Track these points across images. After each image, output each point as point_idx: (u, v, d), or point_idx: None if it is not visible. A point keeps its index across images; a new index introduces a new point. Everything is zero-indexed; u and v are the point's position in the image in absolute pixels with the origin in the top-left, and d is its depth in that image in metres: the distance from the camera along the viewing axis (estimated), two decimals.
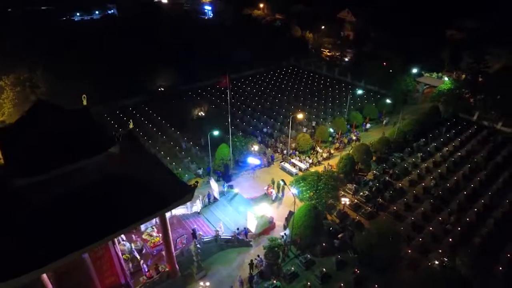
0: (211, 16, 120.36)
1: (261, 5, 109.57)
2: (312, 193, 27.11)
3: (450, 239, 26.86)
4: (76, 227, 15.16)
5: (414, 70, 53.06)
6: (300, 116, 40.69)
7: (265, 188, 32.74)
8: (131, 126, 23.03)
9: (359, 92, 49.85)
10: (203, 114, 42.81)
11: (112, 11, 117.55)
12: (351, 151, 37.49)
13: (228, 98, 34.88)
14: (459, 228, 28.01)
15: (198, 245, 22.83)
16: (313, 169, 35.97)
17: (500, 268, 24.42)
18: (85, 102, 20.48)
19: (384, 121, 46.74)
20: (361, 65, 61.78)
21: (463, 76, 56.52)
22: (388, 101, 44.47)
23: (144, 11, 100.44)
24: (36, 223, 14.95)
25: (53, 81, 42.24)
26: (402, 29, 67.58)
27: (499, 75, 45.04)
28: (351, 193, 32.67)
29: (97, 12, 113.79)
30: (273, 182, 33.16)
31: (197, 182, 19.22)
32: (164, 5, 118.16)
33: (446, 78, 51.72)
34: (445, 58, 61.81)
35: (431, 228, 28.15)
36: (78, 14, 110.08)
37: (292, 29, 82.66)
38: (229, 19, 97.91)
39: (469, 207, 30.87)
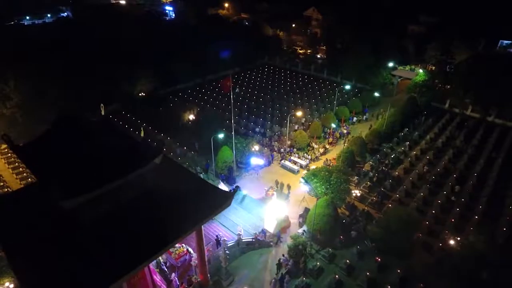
0: (173, 17, 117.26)
1: (226, 5, 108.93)
2: (326, 188, 27.63)
3: (452, 220, 28.96)
4: (127, 246, 14.18)
5: (390, 64, 55.98)
6: (299, 113, 41.16)
7: (266, 189, 32.57)
8: (142, 134, 21.93)
9: (347, 87, 51.42)
10: (194, 118, 41.72)
11: (65, 14, 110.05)
12: (346, 144, 38.83)
13: (231, 100, 34.31)
14: (457, 209, 30.26)
15: (227, 251, 22.37)
16: (312, 165, 36.83)
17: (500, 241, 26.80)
18: (103, 112, 19.20)
19: (365, 116, 48.66)
20: (335, 61, 64.03)
21: (429, 67, 60.90)
22: (376, 94, 46.52)
23: (103, 12, 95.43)
24: (86, 247, 13.82)
25: (27, 91, 38.70)
26: (367, 25, 70.87)
27: (466, 66, 48.97)
28: (354, 185, 33.81)
29: (49, 15, 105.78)
30: (276, 184, 33.25)
31: (237, 186, 18.82)
32: (123, 7, 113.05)
33: (420, 70, 55.29)
34: (410, 52, 65.94)
35: (433, 211, 30.05)
36: (27, 17, 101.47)
37: (263, 28, 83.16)
38: (194, 19, 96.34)
39: (460, 189, 33.39)
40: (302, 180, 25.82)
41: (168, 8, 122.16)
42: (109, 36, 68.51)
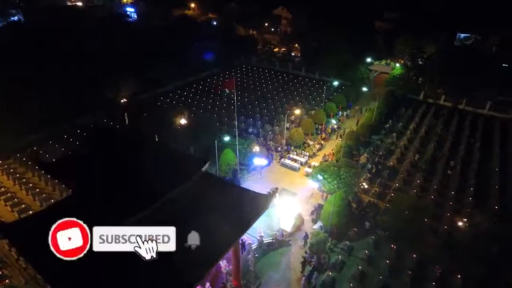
0: (135, 18, 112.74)
1: (192, 5, 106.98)
2: (337, 183, 28.30)
3: (450, 203, 31.01)
4: (184, 264, 13.59)
5: (368, 59, 58.39)
6: (297, 111, 41.57)
7: (268, 191, 32.55)
8: None
9: (335, 83, 52.58)
10: (186, 122, 40.57)
11: (15, 17, 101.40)
12: (340, 139, 40.01)
13: (234, 101, 33.81)
14: (452, 192, 32.44)
15: (256, 254, 22.22)
16: (311, 161, 37.56)
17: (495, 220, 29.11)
18: (127, 121, 18.18)
19: (345, 113, 50.15)
20: (311, 59, 65.48)
21: (400, 61, 64.40)
22: (365, 89, 48.27)
23: (62, 15, 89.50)
24: (139, 268, 13.04)
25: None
26: (338, 23, 73.01)
27: (437, 59, 52.48)
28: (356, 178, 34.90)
29: None
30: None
31: (276, 188, 18.69)
32: (81, 8, 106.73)
33: (397, 65, 58.26)
34: (380, 48, 69.08)
35: (432, 197, 31.94)
36: None
37: (235, 28, 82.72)
38: (160, 20, 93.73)
39: (450, 174, 35.78)
40: (320, 177, 26.22)
41: (130, 9, 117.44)
42: (74, 40, 64.40)
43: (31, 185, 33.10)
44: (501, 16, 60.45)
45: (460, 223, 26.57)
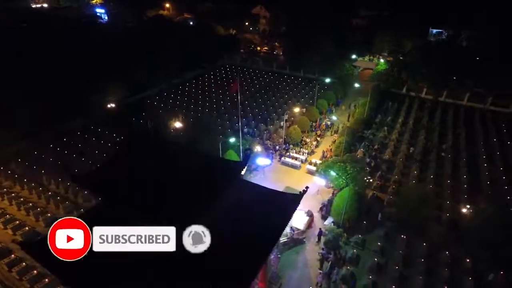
0: (106, 19, 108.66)
1: (167, 5, 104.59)
2: (346, 178, 28.75)
3: (449, 191, 32.43)
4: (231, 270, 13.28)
5: (353, 56, 59.67)
6: (297, 109, 41.69)
7: None
8: None
9: (327, 80, 53.18)
10: (181, 125, 39.63)
11: None
12: (336, 135, 40.68)
13: (238, 102, 33.36)
14: (448, 181, 33.93)
15: (279, 255, 22.10)
16: (310, 159, 37.91)
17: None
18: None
19: (333, 109, 51.10)
20: (294, 57, 66.04)
21: (380, 56, 66.44)
22: (357, 85, 49.24)
23: (31, 18, 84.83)
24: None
25: None
26: (314, 21, 74.07)
27: (418, 54, 54.68)
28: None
29: None
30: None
31: (307, 187, 18.64)
32: (48, 11, 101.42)
33: (382, 60, 59.95)
34: (359, 44, 70.87)
35: (431, 186, 33.22)
36: None
37: (215, 28, 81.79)
38: (134, 21, 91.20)
39: (444, 156, 37.64)
40: (333, 173, 26.49)
41: (100, 10, 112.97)
42: (44, 43, 60.83)
43: (22, 199, 30.94)
44: (472, 11, 63.96)
45: (464, 210, 27.79)
